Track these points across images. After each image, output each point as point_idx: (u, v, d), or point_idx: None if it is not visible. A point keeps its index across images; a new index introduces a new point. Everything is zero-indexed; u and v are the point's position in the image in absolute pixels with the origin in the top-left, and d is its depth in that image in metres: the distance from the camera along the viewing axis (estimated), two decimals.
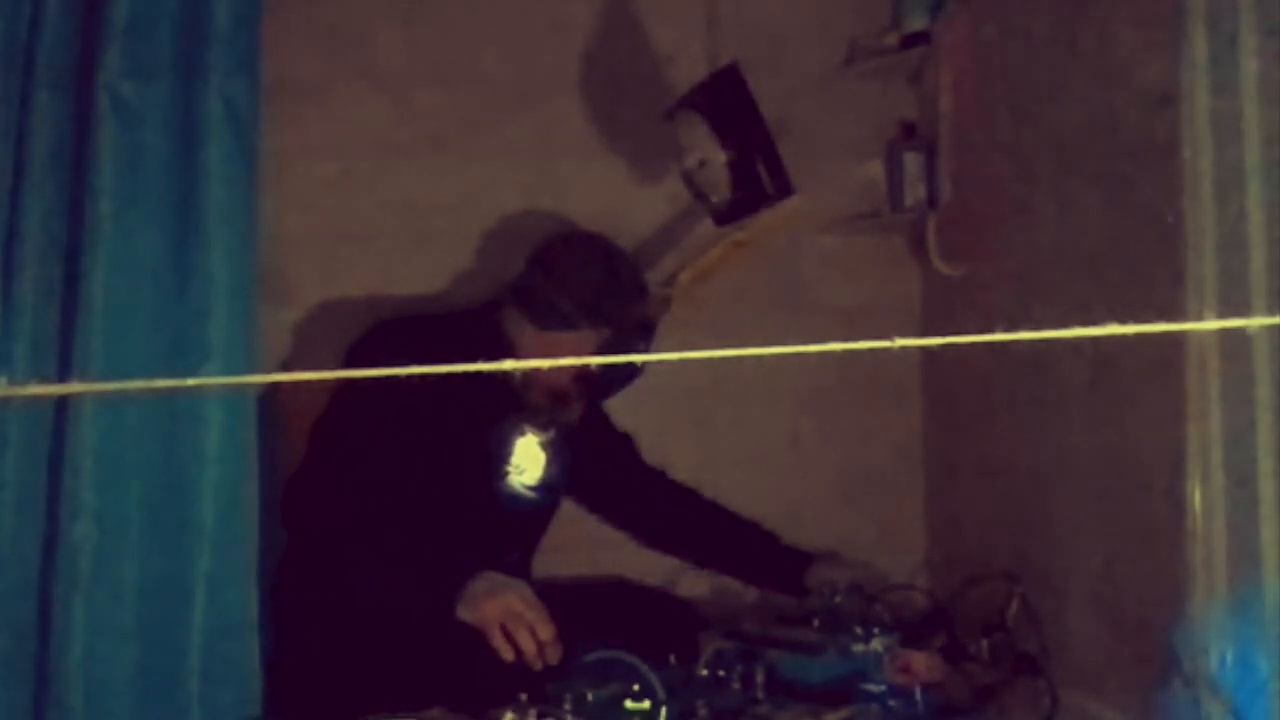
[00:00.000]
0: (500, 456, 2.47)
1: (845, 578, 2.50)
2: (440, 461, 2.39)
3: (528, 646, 2.17)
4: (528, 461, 2.50)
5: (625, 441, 2.69)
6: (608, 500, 2.70)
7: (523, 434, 2.48)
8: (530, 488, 2.50)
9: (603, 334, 2.37)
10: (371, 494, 2.29)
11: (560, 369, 2.35)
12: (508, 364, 1.03)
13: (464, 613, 2.19)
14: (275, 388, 2.42)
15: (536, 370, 2.38)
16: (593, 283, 2.39)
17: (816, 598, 2.46)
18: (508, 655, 2.17)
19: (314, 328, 2.68)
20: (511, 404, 2.44)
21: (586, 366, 2.34)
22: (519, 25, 2.80)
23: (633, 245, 2.70)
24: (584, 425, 2.54)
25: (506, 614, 2.18)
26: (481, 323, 2.45)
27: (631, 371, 2.38)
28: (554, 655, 2.18)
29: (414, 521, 2.31)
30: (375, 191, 2.72)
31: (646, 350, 2.40)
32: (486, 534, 2.44)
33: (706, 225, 2.65)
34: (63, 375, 1.90)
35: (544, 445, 2.50)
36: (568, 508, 2.66)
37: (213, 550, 1.99)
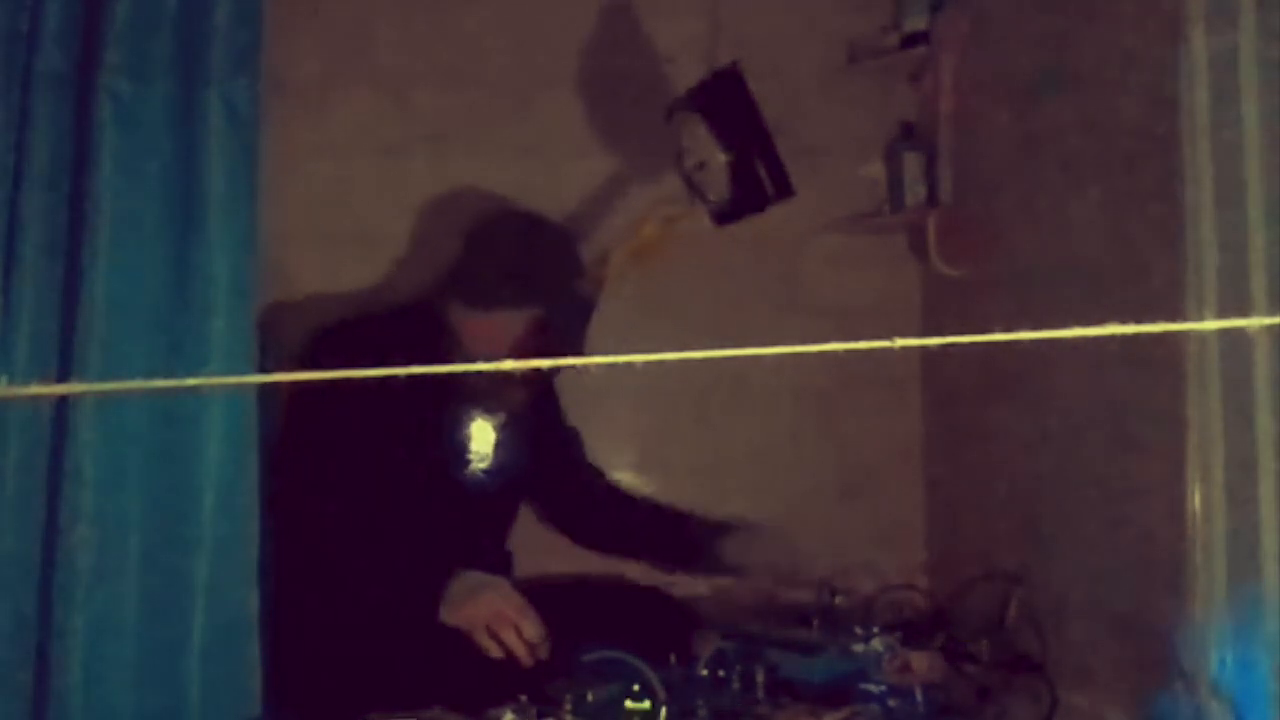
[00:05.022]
0: (456, 444, 2.46)
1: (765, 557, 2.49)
2: (399, 458, 2.38)
3: (515, 645, 2.18)
4: (483, 446, 2.49)
5: (570, 435, 2.67)
6: (545, 495, 2.67)
7: (474, 420, 2.47)
8: (488, 471, 2.49)
9: (534, 311, 2.36)
10: (335, 507, 2.29)
11: (497, 349, 2.32)
12: (515, 364, 1.03)
13: (448, 616, 2.20)
14: (275, 388, 2.42)
15: (475, 353, 2.35)
16: (518, 259, 2.39)
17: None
18: (496, 654, 2.18)
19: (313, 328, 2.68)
20: (458, 390, 2.44)
21: (523, 345, 2.32)
22: (519, 25, 2.80)
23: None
24: (535, 410, 2.53)
25: (490, 615, 2.19)
26: (424, 314, 2.44)
27: (572, 348, 2.36)
28: (543, 650, 2.19)
29: (384, 525, 2.31)
30: (375, 191, 2.72)
31: (585, 327, 2.38)
32: (455, 525, 2.43)
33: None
34: (63, 375, 1.89)
35: (497, 429, 2.49)
36: None
37: (213, 550, 1.98)
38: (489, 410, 2.47)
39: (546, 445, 2.60)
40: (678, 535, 2.62)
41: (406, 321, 2.45)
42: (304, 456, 2.33)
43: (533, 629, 2.20)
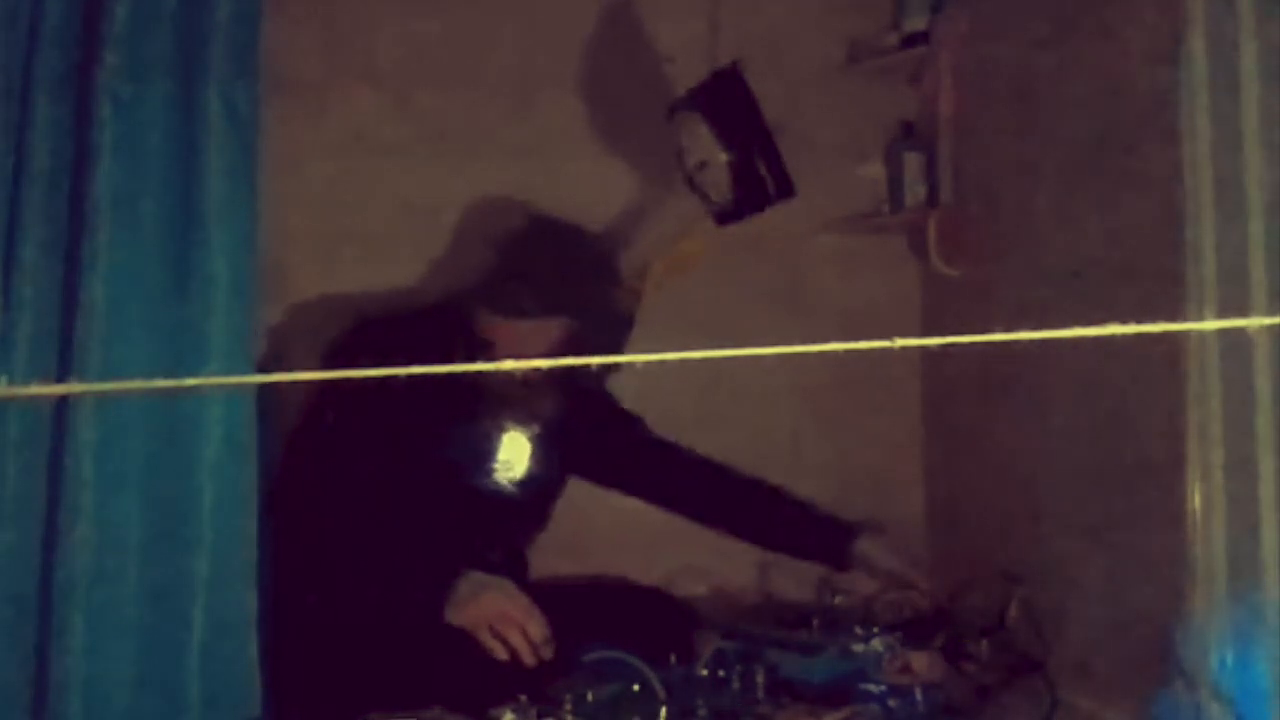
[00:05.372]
0: (485, 454, 2.46)
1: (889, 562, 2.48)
2: (422, 462, 2.38)
3: (520, 645, 2.18)
4: (514, 457, 2.48)
5: (632, 420, 2.66)
6: (619, 475, 2.65)
7: (506, 430, 2.47)
8: (518, 482, 2.49)
9: (568, 322, 2.35)
10: (351, 502, 2.29)
11: (527, 356, 2.31)
12: (516, 364, 1.03)
13: (453, 616, 2.20)
14: (275, 388, 2.42)
15: (503, 359, 2.34)
16: (551, 270, 2.38)
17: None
18: (501, 654, 2.18)
19: (313, 327, 2.68)
20: (488, 398, 2.43)
21: (554, 354, 2.31)
22: (519, 25, 2.80)
23: (631, 244, 2.69)
24: (582, 411, 2.52)
25: (494, 615, 2.19)
26: (453, 318, 2.44)
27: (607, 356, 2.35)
28: (547, 651, 2.19)
29: (399, 526, 2.31)
30: (375, 191, 2.72)
31: (625, 339, 2.38)
32: (477, 532, 2.43)
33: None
34: (63, 375, 1.89)
35: (531, 439, 2.49)
36: (562, 507, 2.66)
37: (212, 550, 1.98)
38: (508, 415, 2.47)
39: (604, 435, 2.59)
40: (808, 526, 2.60)
41: (426, 324, 2.44)
42: (310, 457, 2.33)
43: (537, 629, 2.20)
